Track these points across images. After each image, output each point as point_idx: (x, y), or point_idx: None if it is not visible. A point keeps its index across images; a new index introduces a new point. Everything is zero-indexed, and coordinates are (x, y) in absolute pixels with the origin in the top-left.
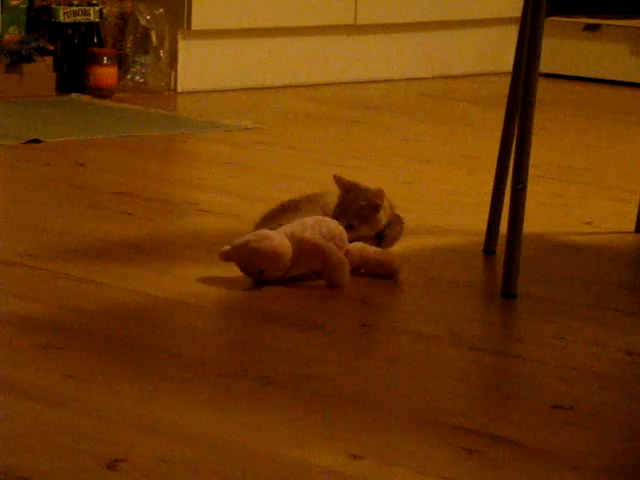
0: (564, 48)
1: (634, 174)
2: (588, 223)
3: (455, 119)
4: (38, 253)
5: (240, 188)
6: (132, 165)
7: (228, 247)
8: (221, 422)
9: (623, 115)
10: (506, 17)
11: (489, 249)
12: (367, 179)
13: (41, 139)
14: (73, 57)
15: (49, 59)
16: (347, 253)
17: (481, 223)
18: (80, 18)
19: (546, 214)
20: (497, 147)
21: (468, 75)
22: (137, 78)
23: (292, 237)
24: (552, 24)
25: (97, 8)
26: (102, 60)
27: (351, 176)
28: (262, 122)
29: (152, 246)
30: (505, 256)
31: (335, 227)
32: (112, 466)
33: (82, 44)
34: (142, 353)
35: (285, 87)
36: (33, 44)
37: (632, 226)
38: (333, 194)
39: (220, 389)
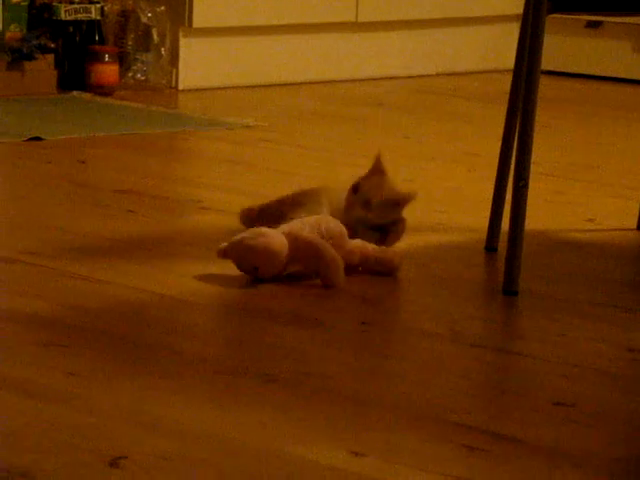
0: (566, 45)
1: (636, 171)
2: (590, 220)
3: (457, 116)
4: (40, 251)
5: (242, 186)
6: (134, 163)
7: (225, 244)
8: (222, 419)
9: (625, 112)
10: (508, 14)
11: (491, 246)
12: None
13: (42, 137)
14: (74, 55)
15: (50, 57)
16: (348, 251)
17: (483, 220)
18: (81, 16)
19: (548, 211)
20: (498, 144)
21: (471, 72)
22: (138, 76)
23: (288, 235)
24: (554, 21)
25: (98, 6)
26: (103, 58)
27: (353, 174)
28: (264, 120)
29: (154, 244)
30: (507, 253)
31: (335, 226)
32: (114, 463)
33: (83, 42)
34: (143, 350)
35: (287, 85)
36: (34, 42)
37: (634, 223)
38: (338, 190)
39: (221, 386)
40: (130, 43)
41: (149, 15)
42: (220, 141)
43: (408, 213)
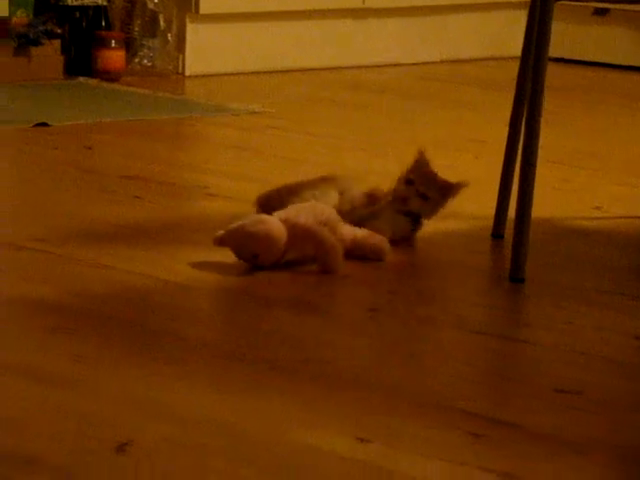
0: (573, 32)
1: None
2: (597, 208)
3: (463, 103)
4: (46, 237)
5: (249, 172)
6: (140, 149)
7: (222, 232)
8: (227, 405)
9: (631, 100)
10: (515, 1)
11: (497, 233)
12: (373, 163)
13: (49, 123)
14: (81, 40)
15: (57, 42)
16: (340, 237)
17: (489, 207)
18: (88, 1)
19: (554, 199)
20: (504, 131)
21: (477, 59)
22: (145, 62)
23: (286, 221)
24: (561, 8)
25: None
26: (110, 43)
27: (357, 160)
28: (271, 106)
29: (160, 230)
30: (513, 240)
31: (330, 213)
32: (121, 449)
33: (90, 27)
34: (149, 336)
35: (293, 71)
36: (41, 27)
37: None
38: (348, 178)
39: (225, 372)
40: (137, 29)
41: (155, 1)
42: (227, 127)
43: None
